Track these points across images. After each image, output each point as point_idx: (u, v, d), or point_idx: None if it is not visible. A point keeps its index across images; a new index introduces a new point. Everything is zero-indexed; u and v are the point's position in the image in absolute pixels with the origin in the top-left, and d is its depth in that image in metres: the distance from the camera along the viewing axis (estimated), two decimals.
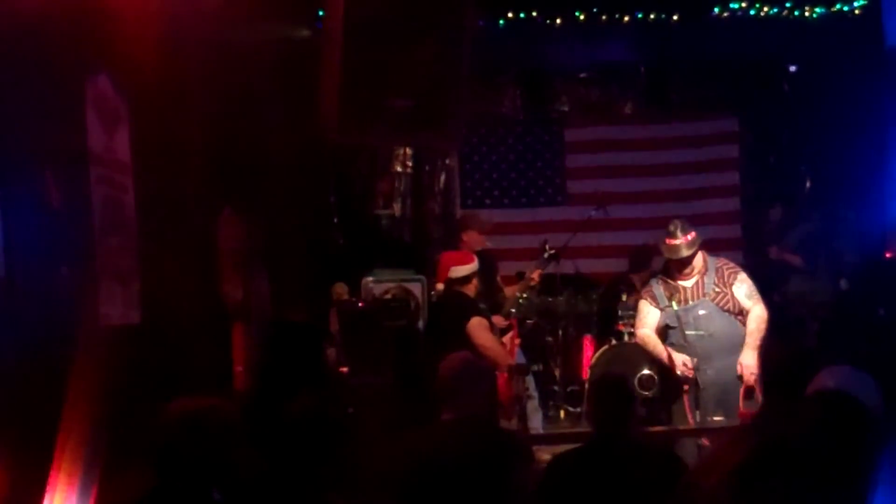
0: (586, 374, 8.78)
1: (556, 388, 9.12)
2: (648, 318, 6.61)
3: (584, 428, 8.30)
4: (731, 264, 6.63)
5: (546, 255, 8.57)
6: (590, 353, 9.03)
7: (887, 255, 8.54)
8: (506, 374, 7.01)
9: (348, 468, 3.80)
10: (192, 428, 3.29)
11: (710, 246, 9.78)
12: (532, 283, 8.49)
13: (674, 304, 6.43)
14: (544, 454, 7.20)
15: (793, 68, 10.50)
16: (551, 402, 8.87)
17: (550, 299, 9.18)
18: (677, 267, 6.50)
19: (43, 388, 3.81)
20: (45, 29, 3.96)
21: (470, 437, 4.27)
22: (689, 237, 6.45)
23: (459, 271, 7.10)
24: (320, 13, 7.72)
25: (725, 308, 6.42)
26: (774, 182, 10.63)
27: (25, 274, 3.79)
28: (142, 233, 4.89)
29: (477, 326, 6.82)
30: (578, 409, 8.74)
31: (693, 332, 6.36)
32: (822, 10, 9.73)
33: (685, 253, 6.43)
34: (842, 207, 9.50)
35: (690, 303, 6.46)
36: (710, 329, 6.34)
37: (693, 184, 10.53)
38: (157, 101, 4.96)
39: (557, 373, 9.29)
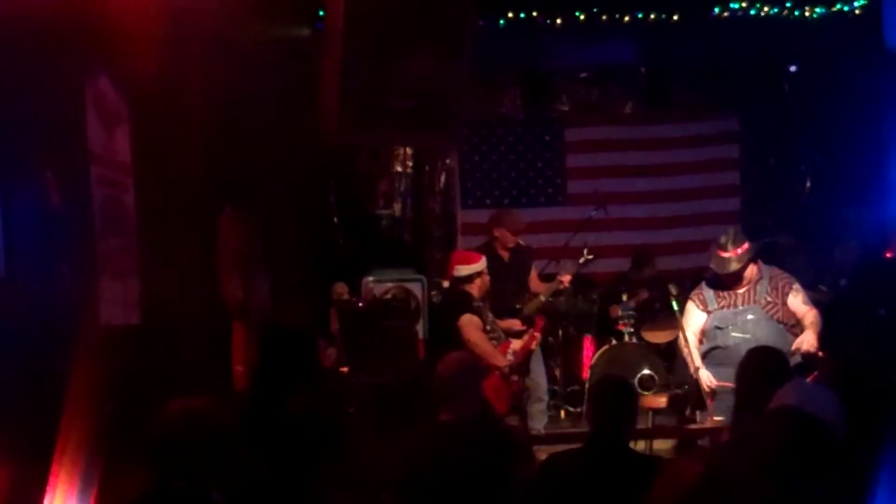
0: (586, 374, 8.77)
1: (556, 388, 9.11)
2: (693, 321, 6.51)
3: (584, 428, 8.31)
4: (786, 274, 6.47)
5: (582, 260, 8.54)
6: (590, 353, 9.02)
7: (887, 255, 8.53)
8: (494, 374, 7.03)
9: (348, 468, 3.80)
10: (192, 427, 3.28)
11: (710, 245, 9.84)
12: (561, 287, 8.46)
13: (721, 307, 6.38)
14: (544, 454, 7.20)
15: (793, 68, 10.49)
16: (552, 402, 8.85)
17: (551, 299, 9.18)
18: (726, 280, 6.38)
19: (43, 387, 3.81)
20: (45, 29, 3.96)
21: (469, 437, 4.27)
22: (740, 250, 6.28)
23: (463, 270, 7.16)
24: (320, 13, 7.73)
25: (775, 317, 6.35)
26: (774, 182, 10.63)
27: (25, 274, 3.79)
28: (142, 233, 4.90)
29: (467, 324, 6.92)
30: (579, 409, 8.72)
31: (739, 335, 6.28)
32: (822, 10, 9.73)
33: (734, 267, 6.28)
34: (842, 207, 9.49)
35: (741, 307, 6.39)
36: (756, 334, 6.23)
37: (693, 184, 10.52)
38: (157, 101, 4.97)
39: (557, 373, 9.28)
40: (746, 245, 6.36)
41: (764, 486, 2.45)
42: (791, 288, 6.38)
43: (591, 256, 8.59)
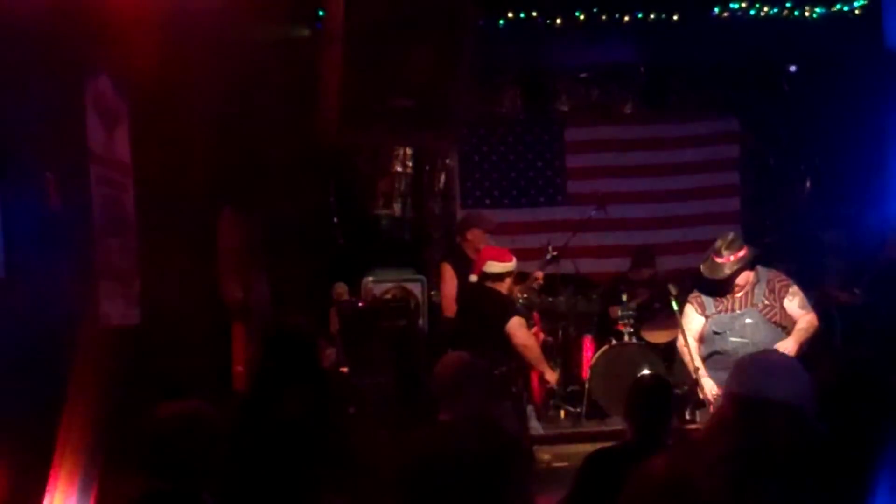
0: (586, 374, 8.78)
1: (556, 388, 9.11)
2: (692, 325, 6.48)
3: (584, 428, 8.34)
4: (783, 277, 6.44)
5: (549, 257, 8.55)
6: (590, 353, 9.03)
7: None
8: (538, 374, 7.00)
9: (348, 468, 3.80)
10: (181, 430, 3.27)
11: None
12: (535, 284, 8.45)
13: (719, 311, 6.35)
14: (544, 454, 7.22)
15: (793, 68, 10.50)
16: (551, 402, 8.86)
17: (550, 299, 9.18)
18: (718, 285, 6.34)
19: (43, 388, 3.81)
20: (45, 29, 3.96)
21: (469, 437, 4.26)
22: (734, 257, 6.23)
23: (495, 267, 6.91)
24: (320, 13, 7.74)
25: (773, 320, 6.32)
26: (774, 182, 10.63)
27: (26, 273, 3.79)
28: (142, 233, 4.89)
29: (518, 326, 6.71)
30: (578, 409, 8.73)
31: (738, 339, 6.24)
32: (822, 10, 9.73)
33: (724, 273, 6.25)
34: (842, 207, 9.49)
35: (738, 311, 6.36)
36: (755, 338, 6.18)
37: (693, 184, 10.53)
38: (157, 101, 4.97)
39: (558, 373, 9.28)
40: (743, 252, 6.29)
41: (717, 486, 2.42)
42: (788, 291, 6.34)
43: (555, 253, 8.62)
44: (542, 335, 7.75)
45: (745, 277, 6.33)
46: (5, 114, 3.77)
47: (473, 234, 8.23)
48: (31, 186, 3.94)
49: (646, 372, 8.29)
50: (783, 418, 2.47)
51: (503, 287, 6.95)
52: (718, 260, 6.30)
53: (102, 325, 4.39)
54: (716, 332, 6.35)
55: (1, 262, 3.66)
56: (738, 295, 6.36)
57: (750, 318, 6.30)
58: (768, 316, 6.30)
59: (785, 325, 6.31)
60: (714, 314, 6.38)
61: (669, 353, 8.58)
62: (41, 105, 4.00)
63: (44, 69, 4.01)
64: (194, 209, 5.50)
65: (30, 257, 3.83)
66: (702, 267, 6.43)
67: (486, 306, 6.87)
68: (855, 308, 8.11)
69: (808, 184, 10.51)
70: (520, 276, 8.70)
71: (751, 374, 2.63)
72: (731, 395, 2.60)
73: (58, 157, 4.14)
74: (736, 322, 6.31)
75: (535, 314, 7.91)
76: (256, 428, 4.09)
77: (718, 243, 6.33)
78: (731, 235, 6.46)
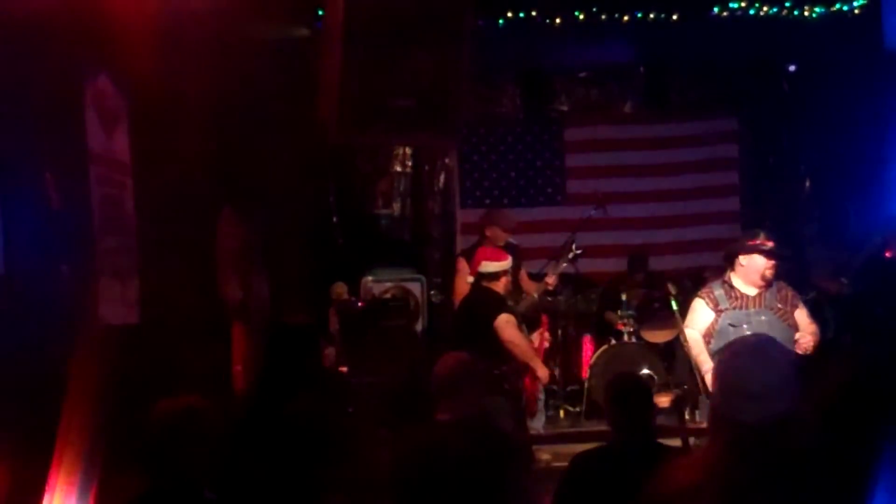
0: (586, 373, 8.79)
1: (555, 387, 9.12)
2: (699, 319, 6.41)
3: (583, 428, 8.34)
4: (790, 287, 6.45)
5: (571, 255, 8.52)
6: (589, 353, 9.04)
7: (887, 255, 8.54)
8: (530, 372, 7.01)
9: (347, 468, 3.80)
10: (180, 427, 3.27)
11: (710, 245, 9.87)
12: (548, 287, 8.44)
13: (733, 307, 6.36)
14: (544, 454, 7.22)
15: (792, 68, 10.51)
16: (551, 402, 8.87)
17: (550, 299, 9.18)
18: (769, 261, 6.24)
19: (42, 387, 3.82)
20: (45, 29, 3.97)
21: (467, 437, 4.26)
22: (771, 242, 6.29)
23: (490, 267, 6.96)
24: (320, 13, 7.74)
25: (785, 322, 6.32)
26: (774, 182, 10.64)
27: (25, 273, 3.80)
28: (141, 233, 4.90)
29: (505, 323, 6.74)
30: (578, 409, 8.74)
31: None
32: (822, 10, 9.74)
33: (776, 249, 6.28)
34: (842, 207, 9.50)
35: (752, 309, 6.35)
36: (770, 334, 6.15)
37: (693, 184, 10.52)
38: (157, 101, 4.97)
39: (557, 373, 9.29)
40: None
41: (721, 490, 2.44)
42: (799, 301, 6.39)
43: (580, 251, 8.58)
44: (548, 335, 7.73)
45: (773, 269, 6.33)
46: (5, 114, 3.78)
47: (493, 232, 8.21)
48: (30, 186, 3.94)
49: (645, 372, 8.32)
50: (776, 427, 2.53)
51: (499, 286, 6.99)
52: (770, 242, 6.29)
53: (102, 324, 4.40)
54: (731, 325, 6.31)
55: (0, 261, 3.67)
56: (752, 294, 6.36)
57: (765, 316, 6.30)
58: (782, 319, 6.30)
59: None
60: (728, 309, 6.36)
61: (669, 352, 8.59)
62: (41, 105, 4.00)
63: (44, 69, 4.01)
64: (194, 209, 5.50)
65: (29, 256, 3.83)
66: (763, 248, 6.28)
67: (480, 306, 6.91)
68: (844, 298, 8.12)
69: (807, 183, 10.52)
70: (534, 276, 8.70)
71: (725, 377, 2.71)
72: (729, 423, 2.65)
73: (58, 157, 4.15)
74: (752, 318, 6.28)
75: (544, 317, 7.87)
76: (258, 426, 4.09)
77: (759, 233, 6.35)
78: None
